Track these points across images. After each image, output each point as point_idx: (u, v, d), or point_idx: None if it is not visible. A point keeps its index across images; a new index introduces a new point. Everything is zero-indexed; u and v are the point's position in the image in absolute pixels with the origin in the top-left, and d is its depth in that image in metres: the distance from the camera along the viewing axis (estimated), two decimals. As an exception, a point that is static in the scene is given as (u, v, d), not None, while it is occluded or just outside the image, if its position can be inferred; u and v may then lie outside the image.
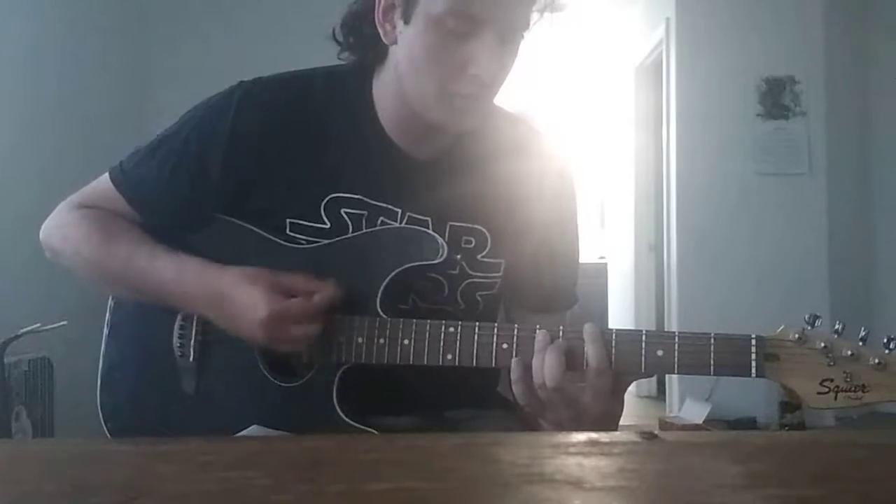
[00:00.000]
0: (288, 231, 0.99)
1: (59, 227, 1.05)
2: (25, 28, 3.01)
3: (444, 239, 0.95)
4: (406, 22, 0.91)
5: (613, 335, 0.85)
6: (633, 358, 0.84)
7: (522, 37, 0.93)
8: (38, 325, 2.49)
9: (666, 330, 0.85)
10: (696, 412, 3.75)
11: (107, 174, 1.05)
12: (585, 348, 0.85)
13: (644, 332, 0.84)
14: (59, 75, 3.17)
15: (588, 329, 0.86)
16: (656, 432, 0.70)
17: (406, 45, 0.92)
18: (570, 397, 0.85)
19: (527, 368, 0.86)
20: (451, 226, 1.01)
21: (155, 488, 0.59)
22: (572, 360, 0.85)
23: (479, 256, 1.03)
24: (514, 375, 0.87)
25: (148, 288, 0.98)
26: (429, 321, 0.91)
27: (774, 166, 3.92)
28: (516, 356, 0.87)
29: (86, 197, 1.07)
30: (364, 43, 0.99)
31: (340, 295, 0.93)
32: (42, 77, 3.08)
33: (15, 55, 2.93)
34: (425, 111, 0.94)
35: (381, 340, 0.92)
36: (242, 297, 0.91)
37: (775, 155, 3.92)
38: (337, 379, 0.93)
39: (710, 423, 3.64)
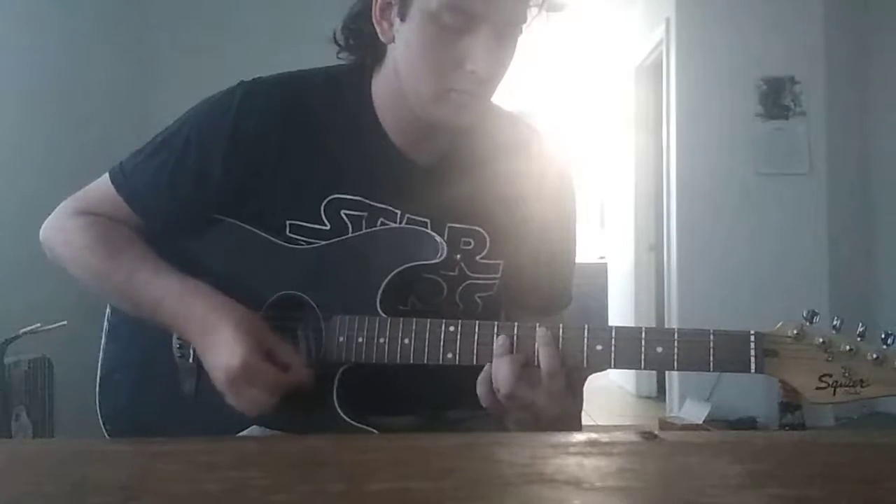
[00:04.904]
0: (288, 232, 0.99)
1: (62, 230, 1.04)
2: (25, 27, 3.01)
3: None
4: (402, 19, 0.91)
5: (613, 333, 0.85)
6: (632, 355, 0.84)
7: (520, 31, 0.92)
8: (38, 325, 2.49)
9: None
10: (696, 412, 3.75)
11: (107, 175, 1.05)
12: (537, 351, 0.85)
13: (643, 329, 0.84)
14: (59, 75, 3.17)
15: (540, 332, 0.86)
16: (656, 432, 0.70)
17: (403, 42, 0.92)
18: (525, 402, 0.86)
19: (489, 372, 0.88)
20: (449, 227, 1.01)
21: (155, 488, 0.59)
22: (528, 362, 0.86)
23: (477, 258, 1.03)
24: (480, 378, 0.88)
25: (146, 306, 0.97)
26: (429, 320, 0.91)
27: (774, 166, 3.92)
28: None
29: (86, 199, 1.06)
30: (363, 43, 0.99)
31: (309, 382, 0.91)
32: (42, 77, 3.08)
33: (15, 55, 2.93)
34: (422, 110, 0.94)
35: (382, 340, 0.92)
36: (227, 337, 0.90)
37: (775, 155, 3.92)
38: (337, 379, 0.93)
39: (710, 423, 3.65)
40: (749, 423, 3.67)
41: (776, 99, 3.93)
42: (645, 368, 0.84)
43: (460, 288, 1.03)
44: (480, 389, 0.88)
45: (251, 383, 0.89)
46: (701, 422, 3.67)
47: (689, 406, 3.83)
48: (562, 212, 1.08)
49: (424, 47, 0.90)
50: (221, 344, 0.90)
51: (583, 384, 0.89)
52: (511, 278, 1.05)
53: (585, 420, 0.96)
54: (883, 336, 0.77)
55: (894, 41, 4.04)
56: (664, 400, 4.35)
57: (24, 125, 2.95)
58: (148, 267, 0.98)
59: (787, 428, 3.56)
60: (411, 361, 0.91)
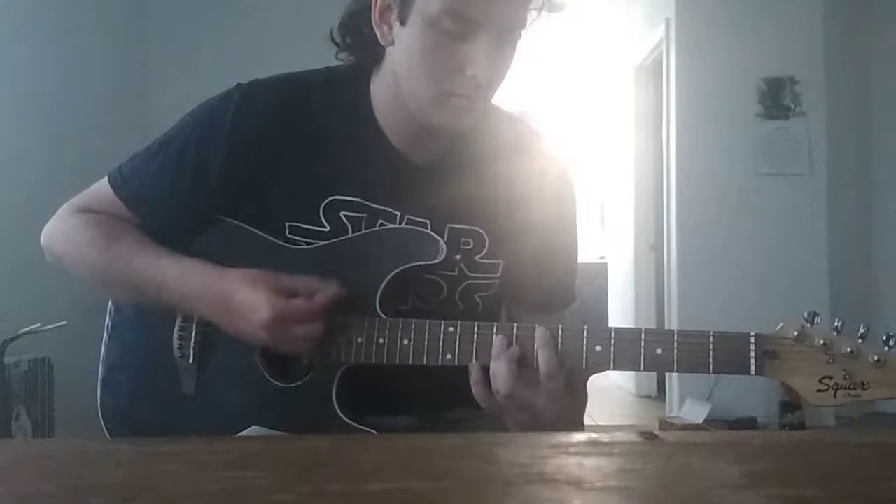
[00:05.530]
0: (287, 234, 0.99)
1: (61, 230, 1.05)
2: (25, 28, 3.01)
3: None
4: (402, 23, 0.91)
5: (612, 334, 0.85)
6: (632, 356, 0.84)
7: (520, 35, 0.93)
8: (38, 325, 2.50)
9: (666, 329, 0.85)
10: (696, 412, 3.75)
11: (106, 178, 1.05)
12: (536, 352, 0.85)
13: (643, 330, 0.84)
14: (59, 76, 3.18)
15: (539, 333, 0.86)
16: (656, 432, 0.70)
17: (403, 46, 0.92)
18: (523, 403, 0.86)
19: (485, 371, 0.88)
20: (449, 227, 1.01)
21: (155, 488, 0.59)
22: (526, 363, 0.86)
23: (477, 258, 1.03)
24: (472, 379, 0.89)
25: (150, 290, 0.98)
26: (428, 321, 0.91)
27: (774, 166, 3.92)
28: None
29: (86, 201, 1.07)
30: (362, 44, 0.99)
31: (342, 294, 0.93)
32: (42, 78, 3.08)
33: (15, 55, 2.93)
34: (422, 114, 0.94)
35: (381, 340, 0.92)
36: (244, 299, 0.91)
37: (775, 155, 3.92)
38: (336, 379, 0.93)
39: (710, 423, 3.65)
40: (749, 423, 3.67)
41: (776, 99, 3.93)
42: (644, 370, 0.85)
43: (460, 288, 1.03)
44: (475, 390, 0.89)
45: (288, 324, 0.90)
46: (701, 422, 3.67)
47: (689, 406, 3.83)
48: (562, 211, 1.08)
49: (424, 52, 0.90)
50: (243, 306, 0.91)
51: (584, 384, 0.90)
52: (511, 278, 1.05)
53: (585, 420, 0.96)
54: (884, 338, 0.77)
55: (894, 41, 4.04)
56: (664, 400, 4.35)
57: (24, 125, 2.95)
58: (147, 252, 0.99)
59: (787, 428, 3.56)
60: (411, 362, 0.91)
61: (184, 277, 0.96)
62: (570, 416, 0.89)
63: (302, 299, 0.91)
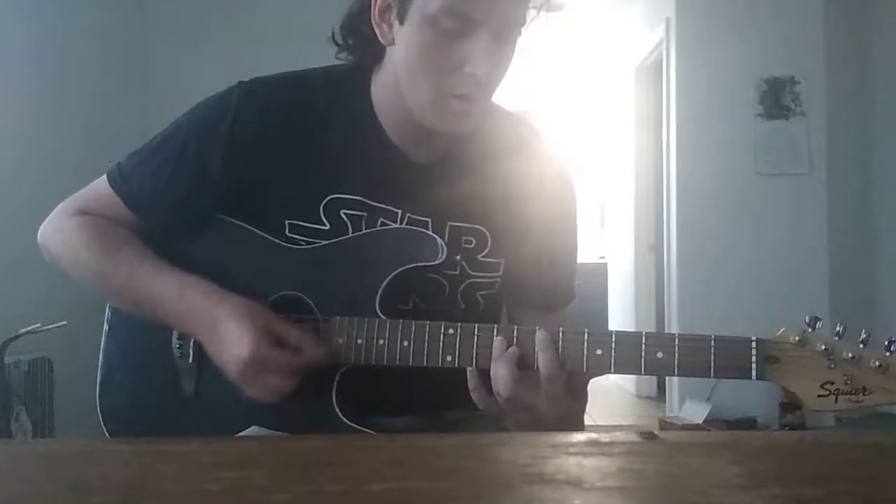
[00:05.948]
0: (287, 232, 0.99)
1: (59, 231, 1.04)
2: (25, 27, 3.01)
3: (443, 239, 0.96)
4: (401, 22, 0.91)
5: (613, 337, 0.85)
6: (632, 360, 0.84)
7: (519, 33, 0.93)
8: (38, 325, 2.50)
9: (666, 330, 0.85)
10: (696, 412, 3.75)
11: (104, 176, 1.05)
12: (536, 355, 0.85)
13: (644, 333, 0.84)
14: (59, 75, 3.18)
15: (539, 336, 0.86)
16: (656, 432, 0.70)
17: (402, 45, 0.92)
18: (525, 405, 0.86)
19: (483, 376, 0.87)
20: (450, 226, 1.01)
21: (155, 488, 0.59)
22: (527, 366, 0.86)
23: (479, 256, 1.03)
24: (470, 384, 0.88)
25: (146, 305, 0.97)
26: (428, 322, 0.91)
27: (774, 166, 3.92)
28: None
29: (84, 200, 1.06)
30: (362, 43, 0.99)
31: (326, 359, 0.92)
32: (42, 77, 3.08)
33: (15, 55, 2.93)
34: (422, 115, 0.94)
35: (381, 341, 0.92)
36: (232, 329, 0.90)
37: (775, 155, 3.92)
38: (336, 380, 0.93)
39: (710, 423, 3.65)
40: (749, 423, 3.67)
41: (776, 99, 3.93)
42: (645, 374, 0.85)
43: (462, 286, 1.03)
44: (474, 396, 0.89)
45: (264, 371, 0.89)
46: (701, 422, 3.67)
47: (689, 406, 3.83)
48: (562, 210, 1.08)
49: (423, 50, 0.90)
50: (228, 337, 0.90)
51: (585, 386, 0.89)
52: (512, 276, 1.05)
53: (585, 420, 0.96)
54: (886, 343, 0.77)
55: (894, 41, 4.04)
56: (664, 400, 4.35)
57: (24, 125, 2.95)
58: (147, 266, 0.98)
59: (787, 428, 3.56)
60: (411, 364, 0.91)
61: (182, 295, 0.94)
62: (571, 416, 0.88)
63: (285, 352, 0.90)
